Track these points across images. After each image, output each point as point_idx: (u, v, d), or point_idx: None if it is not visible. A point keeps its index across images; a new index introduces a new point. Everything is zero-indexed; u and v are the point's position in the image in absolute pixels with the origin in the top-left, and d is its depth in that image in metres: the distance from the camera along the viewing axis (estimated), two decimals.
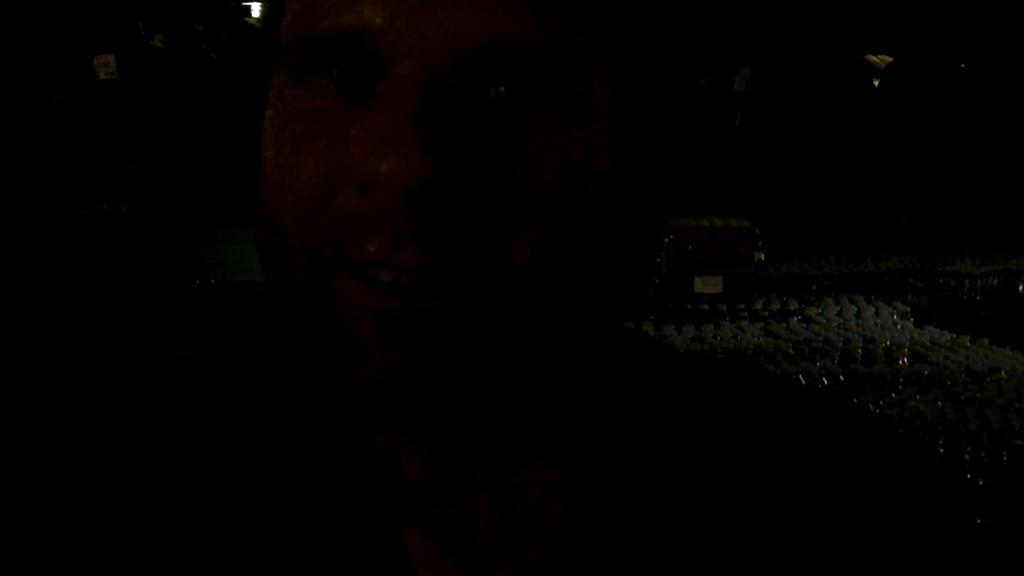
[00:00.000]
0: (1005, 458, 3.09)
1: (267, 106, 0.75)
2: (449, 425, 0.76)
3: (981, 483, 3.05)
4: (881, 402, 3.54)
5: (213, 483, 0.85)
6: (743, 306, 4.81)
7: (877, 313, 4.82)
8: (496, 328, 0.72)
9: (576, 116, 0.72)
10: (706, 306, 4.77)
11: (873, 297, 5.19)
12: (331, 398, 0.74)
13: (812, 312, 4.84)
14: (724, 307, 4.78)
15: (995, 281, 5.63)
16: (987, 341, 4.28)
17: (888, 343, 4.20)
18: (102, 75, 6.42)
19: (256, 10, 15.77)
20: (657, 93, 0.78)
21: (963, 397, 3.54)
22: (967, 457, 3.09)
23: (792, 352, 4.08)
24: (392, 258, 0.69)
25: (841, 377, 3.78)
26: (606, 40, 0.73)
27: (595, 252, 0.76)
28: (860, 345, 4.15)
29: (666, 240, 4.78)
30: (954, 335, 4.41)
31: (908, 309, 4.96)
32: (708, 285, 4.88)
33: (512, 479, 0.81)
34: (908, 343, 4.18)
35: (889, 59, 10.03)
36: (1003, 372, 3.83)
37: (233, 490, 0.84)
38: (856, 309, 4.86)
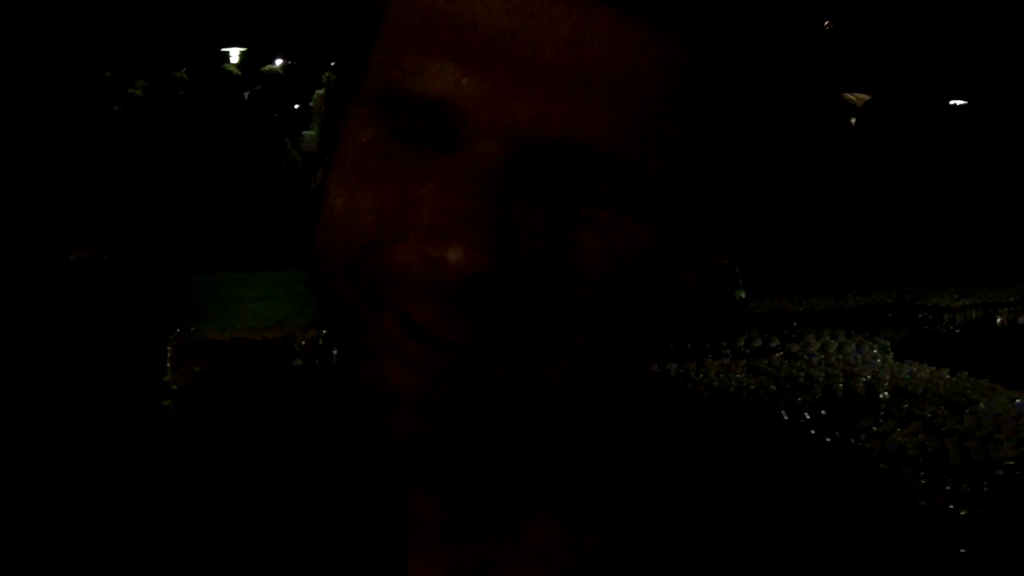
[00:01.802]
0: (986, 489, 3.09)
1: (339, 145, 0.75)
2: (472, 480, 0.76)
3: (963, 513, 3.05)
4: (863, 435, 3.54)
5: (230, 515, 0.85)
6: (725, 343, 4.82)
7: (858, 348, 4.82)
8: (537, 402, 0.72)
9: (640, 214, 0.72)
10: (689, 344, 4.77)
11: (854, 332, 5.20)
12: (365, 438, 0.74)
13: (794, 348, 4.85)
14: (707, 344, 4.78)
15: (974, 314, 5.65)
16: (966, 374, 4.28)
17: (869, 377, 4.20)
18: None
19: (235, 56, 15.80)
20: (731, 162, 0.78)
21: (944, 429, 3.54)
22: (948, 488, 3.09)
23: (774, 388, 4.08)
24: (442, 327, 0.70)
25: (823, 411, 3.78)
26: (683, 121, 0.73)
27: (646, 319, 0.76)
28: (842, 380, 4.15)
29: None
30: (934, 368, 4.42)
31: (888, 343, 4.97)
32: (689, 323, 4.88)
33: (526, 525, 0.81)
34: (889, 377, 4.19)
35: (866, 97, 10.07)
36: (982, 404, 3.84)
37: (252, 521, 0.85)
38: (837, 344, 4.87)
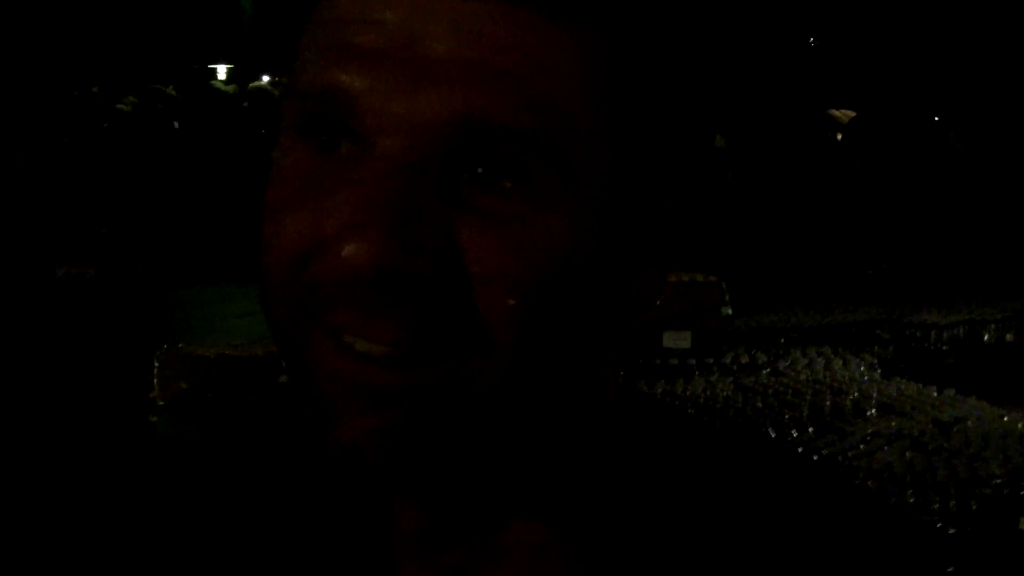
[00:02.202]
0: (974, 507, 3.10)
1: (273, 159, 0.76)
2: (428, 486, 0.77)
3: (951, 532, 3.06)
4: (850, 453, 3.55)
5: (217, 531, 0.85)
6: (712, 360, 4.82)
7: (845, 365, 4.84)
8: (470, 403, 0.72)
9: (560, 196, 0.71)
10: (675, 361, 4.78)
11: (841, 349, 5.21)
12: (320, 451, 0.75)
13: (781, 365, 4.86)
14: (694, 361, 4.79)
15: (960, 331, 5.67)
16: (953, 391, 4.30)
17: (856, 395, 4.21)
18: None
19: (222, 72, 15.83)
20: (665, 159, 0.77)
21: (931, 447, 3.55)
22: (936, 507, 3.10)
23: (761, 405, 4.09)
24: (364, 331, 0.70)
25: (810, 429, 3.79)
26: (605, 115, 0.72)
27: (584, 323, 0.75)
28: (829, 397, 4.16)
29: None
30: (921, 386, 4.43)
31: (876, 360, 4.98)
32: (677, 340, 4.88)
33: (505, 532, 0.81)
34: (876, 394, 4.19)
35: (852, 113, 10.11)
36: (969, 422, 3.85)
37: (239, 537, 0.85)
38: (824, 361, 4.88)
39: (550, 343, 0.73)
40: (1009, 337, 5.74)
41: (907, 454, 3.41)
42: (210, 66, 15.13)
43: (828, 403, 4.09)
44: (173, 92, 10.27)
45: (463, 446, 0.74)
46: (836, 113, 9.88)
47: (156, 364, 4.40)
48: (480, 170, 0.70)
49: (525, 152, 0.69)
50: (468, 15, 0.69)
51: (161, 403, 4.34)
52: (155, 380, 4.40)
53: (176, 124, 10.13)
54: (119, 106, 8.50)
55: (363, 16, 0.71)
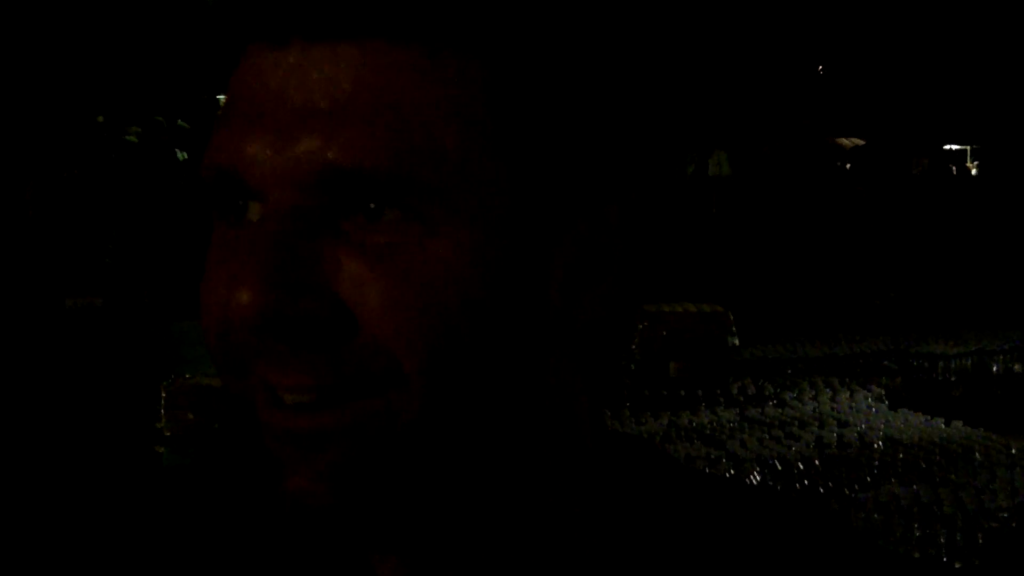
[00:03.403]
0: (980, 540, 3.09)
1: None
2: (384, 535, 0.77)
3: (957, 566, 3.05)
4: (856, 486, 3.54)
5: (223, 564, 0.86)
6: (719, 391, 4.82)
7: (852, 396, 4.83)
8: (399, 435, 0.73)
9: (444, 222, 0.72)
10: (682, 392, 4.78)
11: (848, 380, 5.20)
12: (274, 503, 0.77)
13: (787, 396, 4.85)
14: (700, 392, 4.78)
15: (968, 362, 5.66)
16: (961, 423, 4.29)
17: (863, 426, 4.20)
18: None
19: None
20: (578, 177, 0.77)
21: (937, 479, 3.54)
22: (943, 540, 3.09)
23: (767, 437, 4.08)
24: (284, 381, 0.72)
25: (816, 461, 3.78)
26: (486, 138, 0.73)
27: (505, 347, 0.75)
28: (835, 429, 4.15)
29: (640, 327, 4.79)
30: (928, 417, 4.42)
31: (883, 392, 4.98)
32: (684, 371, 4.89)
33: None
34: (883, 426, 4.19)
35: (859, 142, 10.13)
36: (977, 454, 3.84)
37: (245, 570, 0.85)
38: (831, 392, 4.87)
39: (468, 368, 0.73)
40: (1017, 368, 5.73)
41: (914, 486, 3.40)
42: (218, 96, 15.19)
43: (835, 435, 4.08)
44: (183, 124, 10.31)
45: (404, 483, 0.75)
46: (844, 141, 9.90)
47: (163, 394, 4.42)
48: (359, 208, 0.71)
49: (395, 190, 0.70)
50: (325, 62, 0.71)
51: (168, 433, 4.35)
52: (162, 410, 4.41)
53: (184, 155, 10.17)
54: (126, 137, 8.53)
55: (247, 84, 0.74)
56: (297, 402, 0.72)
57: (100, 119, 7.85)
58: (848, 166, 10.11)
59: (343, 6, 0.72)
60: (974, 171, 11.04)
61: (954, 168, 10.96)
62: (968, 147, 11.30)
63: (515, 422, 0.77)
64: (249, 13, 0.74)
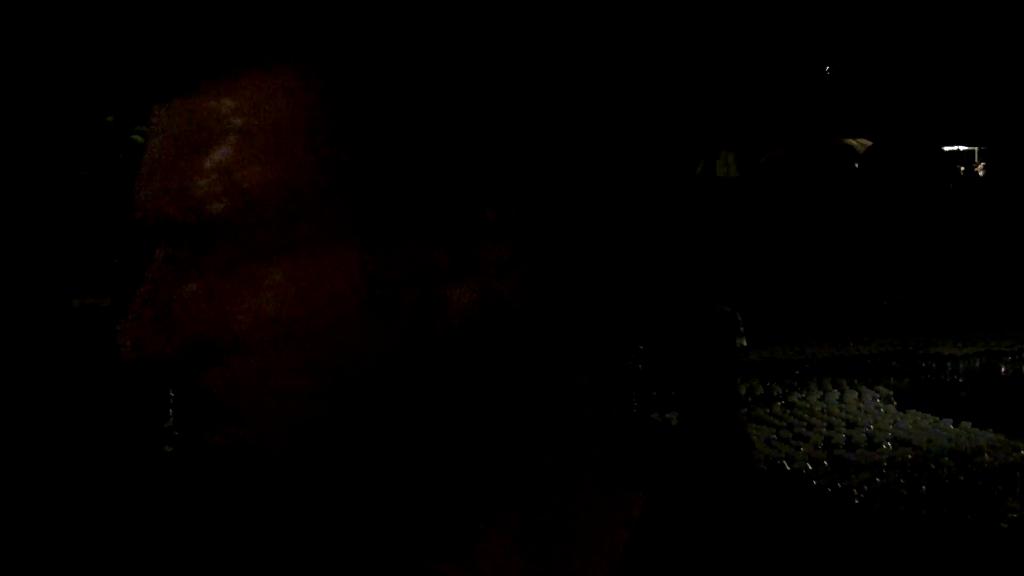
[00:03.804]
0: (989, 542, 3.08)
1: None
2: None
3: (965, 567, 3.04)
4: (865, 487, 3.53)
5: (234, 568, 0.85)
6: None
7: (860, 397, 4.82)
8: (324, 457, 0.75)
9: (315, 254, 0.72)
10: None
11: (856, 381, 5.20)
12: None
13: (796, 397, 4.84)
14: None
15: (976, 363, 5.65)
16: (970, 424, 4.28)
17: (871, 427, 4.20)
18: None
19: None
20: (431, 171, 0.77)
21: (947, 481, 3.53)
22: (950, 541, 3.08)
23: (776, 437, 4.08)
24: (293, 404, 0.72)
25: (825, 462, 3.77)
26: (326, 156, 0.73)
27: (394, 354, 0.75)
28: (844, 430, 4.14)
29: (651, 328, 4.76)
30: (937, 418, 4.41)
31: (891, 392, 4.97)
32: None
33: None
34: (891, 427, 4.18)
35: (868, 143, 10.11)
36: (986, 455, 3.83)
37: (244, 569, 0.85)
38: (839, 393, 4.87)
39: (355, 375, 0.74)
40: None
41: (923, 487, 3.39)
42: None
43: (843, 435, 4.07)
44: None
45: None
46: (853, 142, 9.88)
47: (172, 394, 4.42)
48: (249, 236, 0.72)
49: (277, 218, 0.71)
50: (227, 92, 0.73)
51: (176, 433, 4.35)
52: (170, 410, 4.41)
53: None
54: (134, 136, 8.54)
55: (180, 114, 0.75)
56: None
57: (110, 119, 7.85)
58: (857, 167, 10.08)
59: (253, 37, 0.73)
60: (981, 172, 11.03)
61: (962, 169, 10.94)
62: (976, 148, 11.29)
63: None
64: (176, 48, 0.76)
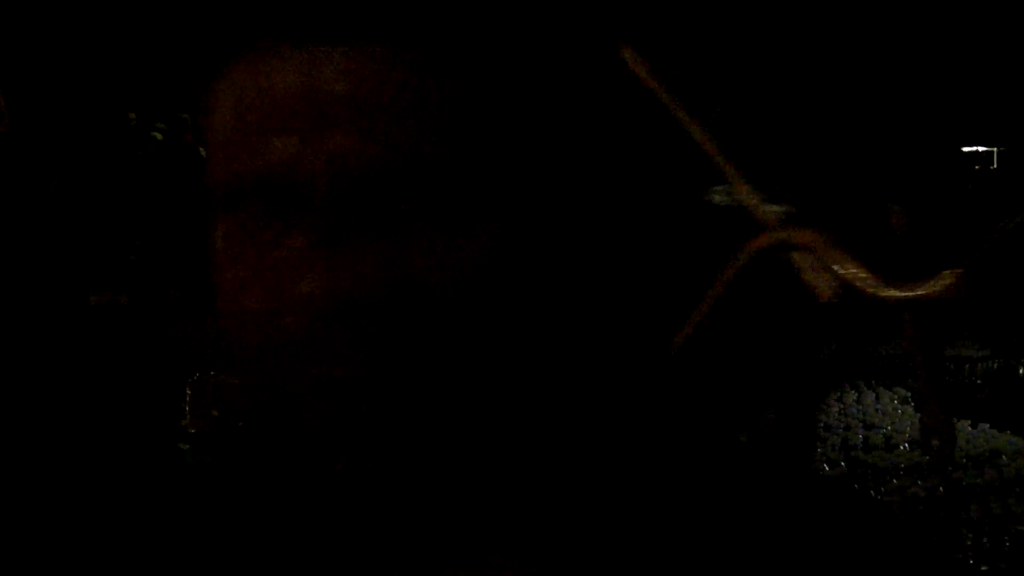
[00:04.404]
0: (1007, 544, 3.07)
1: (213, 235, 0.80)
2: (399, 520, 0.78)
3: (984, 569, 3.03)
4: (882, 488, 3.52)
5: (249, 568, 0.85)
6: None
7: (877, 398, 4.80)
8: (439, 438, 0.75)
9: (461, 226, 0.73)
10: None
11: (873, 382, 5.17)
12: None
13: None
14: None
15: (994, 365, 5.63)
16: (988, 426, 4.26)
17: (889, 428, 4.18)
18: None
19: None
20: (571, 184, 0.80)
21: (964, 483, 3.52)
22: (969, 543, 3.07)
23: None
24: (336, 371, 0.73)
25: (842, 463, 3.76)
26: (451, 136, 0.74)
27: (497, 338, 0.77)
28: (860, 431, 4.13)
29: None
30: (955, 420, 4.39)
31: (908, 394, 4.95)
32: None
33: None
34: (909, 428, 4.17)
35: None
36: (1004, 457, 3.82)
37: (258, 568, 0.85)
38: (856, 394, 4.85)
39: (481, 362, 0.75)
40: None
41: (940, 490, 3.38)
42: None
43: (860, 436, 4.06)
44: None
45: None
46: None
47: (188, 392, 4.42)
48: (404, 202, 0.73)
49: (435, 184, 0.72)
50: (350, 59, 0.73)
51: (192, 431, 4.35)
52: (186, 408, 4.41)
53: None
54: (153, 134, 8.56)
55: (259, 86, 0.75)
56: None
57: (132, 116, 7.87)
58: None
59: (354, 8, 0.74)
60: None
61: (977, 167, 10.91)
62: (995, 149, 11.26)
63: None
64: (265, 11, 0.75)
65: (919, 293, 2.40)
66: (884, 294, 2.38)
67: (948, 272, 2.40)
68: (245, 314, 0.76)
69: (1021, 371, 5.72)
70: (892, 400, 4.78)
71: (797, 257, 2.45)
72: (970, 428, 4.25)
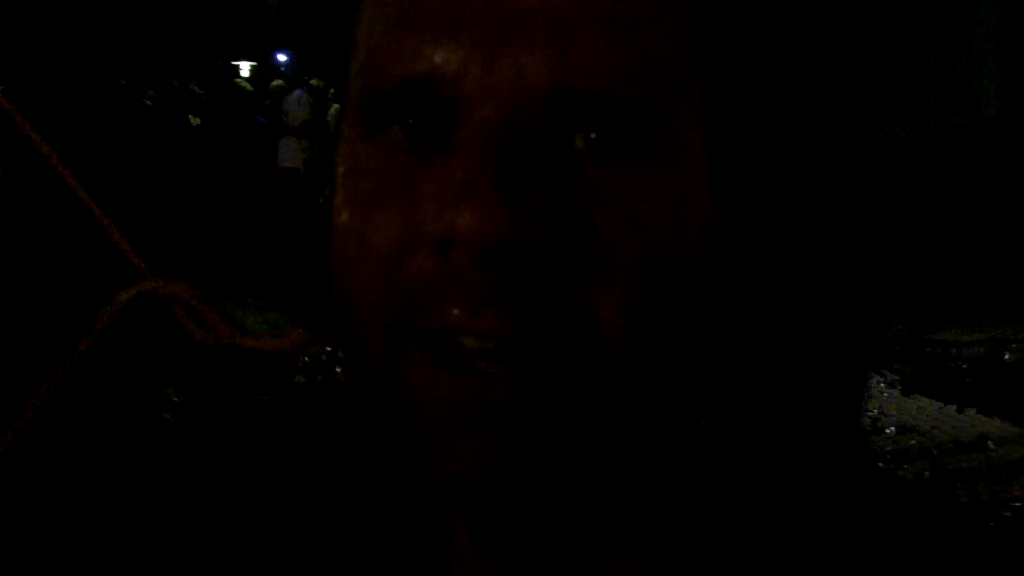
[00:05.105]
0: (994, 529, 3.07)
1: (337, 163, 0.70)
2: (537, 515, 0.69)
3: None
4: (868, 471, 3.52)
5: (225, 530, 0.82)
6: None
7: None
8: (586, 412, 0.65)
9: (665, 167, 0.64)
10: None
11: None
12: (410, 484, 0.69)
13: None
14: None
15: (982, 350, 5.63)
16: (974, 411, 4.26)
17: (876, 411, 4.18)
18: None
19: (245, 70, 15.86)
20: (761, 142, 0.71)
21: (951, 467, 3.52)
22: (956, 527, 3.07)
23: None
24: (472, 323, 0.63)
25: None
26: (700, 86, 0.67)
27: (692, 319, 0.66)
28: None
29: None
30: (941, 404, 4.39)
31: (897, 378, 4.95)
32: None
33: (611, 570, 0.74)
34: (896, 412, 4.17)
35: None
36: (991, 442, 3.82)
37: (247, 538, 0.81)
38: None
39: (661, 336, 0.65)
40: None
41: (926, 474, 3.38)
42: (234, 63, 15.17)
43: None
44: (197, 89, 10.27)
45: (576, 462, 0.67)
46: None
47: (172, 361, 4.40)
48: (591, 136, 0.63)
49: (632, 118, 0.63)
50: None
51: (175, 400, 4.34)
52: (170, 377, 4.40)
53: (197, 120, 10.13)
54: (144, 100, 8.52)
55: None
56: (482, 348, 0.62)
57: (122, 83, 7.83)
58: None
59: None
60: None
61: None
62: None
63: (671, 402, 0.70)
64: None
65: (271, 344, 2.64)
66: (241, 343, 2.61)
67: (299, 328, 2.68)
68: (369, 256, 0.66)
69: (1007, 356, 5.72)
70: (879, 383, 4.79)
71: (174, 305, 2.74)
72: (957, 412, 4.25)
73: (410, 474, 0.65)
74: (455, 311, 0.63)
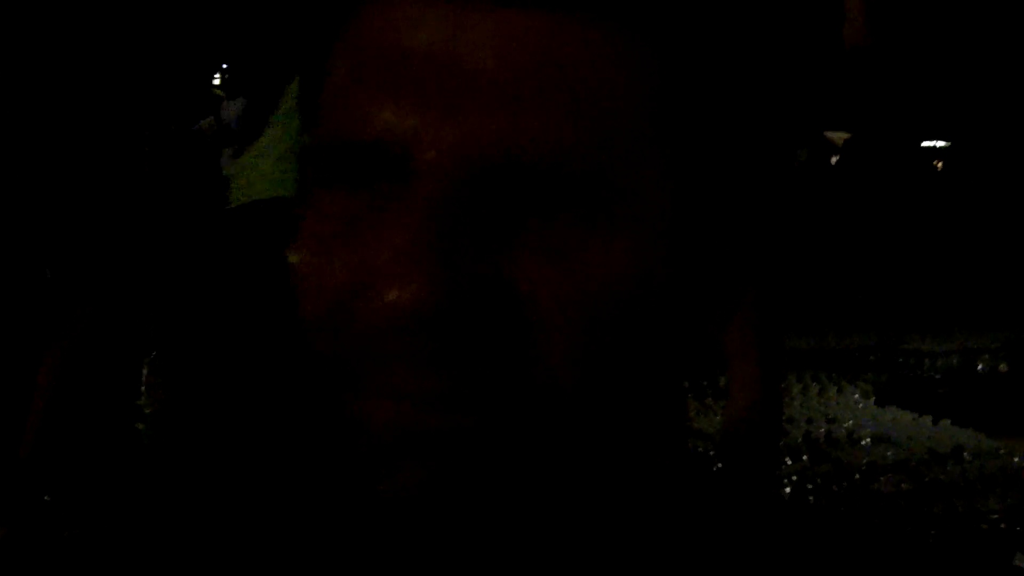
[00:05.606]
0: (970, 542, 3.07)
1: (299, 208, 0.70)
2: (475, 543, 0.71)
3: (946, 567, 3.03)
4: (844, 483, 3.52)
5: (205, 549, 0.81)
6: (706, 383, 4.80)
7: (840, 392, 4.81)
8: (530, 448, 0.67)
9: (623, 223, 0.65)
10: None
11: (835, 375, 5.19)
12: (357, 505, 0.70)
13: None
14: (687, 384, 4.76)
15: (954, 360, 5.66)
16: (949, 421, 4.28)
17: (851, 423, 4.19)
18: None
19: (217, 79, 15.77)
20: (733, 180, 0.71)
21: (926, 479, 3.52)
22: (932, 541, 3.07)
23: None
24: (415, 383, 0.64)
25: (804, 457, 3.76)
26: (669, 144, 0.67)
27: (650, 367, 0.70)
28: (823, 425, 4.14)
29: None
30: (916, 415, 4.40)
31: (870, 388, 4.97)
32: None
33: None
34: (871, 423, 4.18)
35: (847, 135, 10.13)
36: (966, 454, 3.83)
37: (221, 548, 0.81)
38: (819, 388, 4.86)
39: (611, 386, 0.67)
40: (1003, 367, 5.73)
41: (902, 485, 3.38)
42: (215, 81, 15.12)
43: (823, 431, 4.06)
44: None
45: (514, 495, 0.68)
46: (833, 136, 9.90)
47: (144, 371, 4.37)
48: (533, 201, 0.63)
49: (585, 191, 0.64)
50: (507, 26, 0.63)
51: (148, 411, 4.31)
52: (143, 387, 4.37)
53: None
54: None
55: (385, 43, 0.66)
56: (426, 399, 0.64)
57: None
58: (835, 159, 10.10)
59: None
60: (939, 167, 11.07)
61: (939, 164, 10.99)
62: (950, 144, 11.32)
63: (636, 435, 0.71)
64: None
65: None
66: None
67: None
68: (323, 295, 0.67)
69: (979, 367, 5.75)
70: (854, 395, 4.80)
71: None
72: (931, 424, 4.27)
73: (356, 496, 0.67)
74: (400, 369, 0.64)
